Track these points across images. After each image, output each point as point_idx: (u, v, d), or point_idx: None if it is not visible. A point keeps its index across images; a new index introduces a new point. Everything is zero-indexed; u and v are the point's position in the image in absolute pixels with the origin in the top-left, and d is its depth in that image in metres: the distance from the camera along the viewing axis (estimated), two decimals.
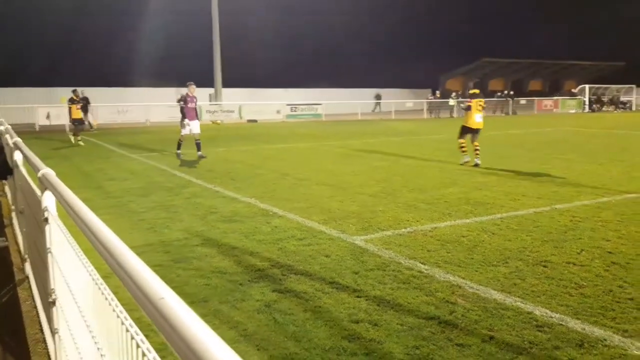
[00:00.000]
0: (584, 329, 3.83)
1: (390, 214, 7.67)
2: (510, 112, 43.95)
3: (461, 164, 12.82)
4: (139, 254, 5.12)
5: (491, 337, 3.74)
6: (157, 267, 5.29)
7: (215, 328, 3.91)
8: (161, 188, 10.10)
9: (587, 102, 47.92)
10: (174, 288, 4.11)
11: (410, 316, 4.12)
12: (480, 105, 13.10)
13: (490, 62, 55.93)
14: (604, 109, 47.62)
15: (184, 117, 14.71)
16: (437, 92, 45.13)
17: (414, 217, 7.42)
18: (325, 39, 54.47)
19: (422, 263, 5.38)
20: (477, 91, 13.53)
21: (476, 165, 12.55)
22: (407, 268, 5.23)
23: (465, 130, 13.22)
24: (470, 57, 55.46)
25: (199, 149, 14.67)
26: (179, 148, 15.27)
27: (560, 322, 3.95)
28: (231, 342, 3.71)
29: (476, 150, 12.90)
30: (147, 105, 33.80)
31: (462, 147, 13.18)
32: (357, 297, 4.51)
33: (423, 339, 3.74)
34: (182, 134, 14.85)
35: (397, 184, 10.32)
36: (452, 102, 40.48)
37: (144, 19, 46.45)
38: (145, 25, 45.97)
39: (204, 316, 4.08)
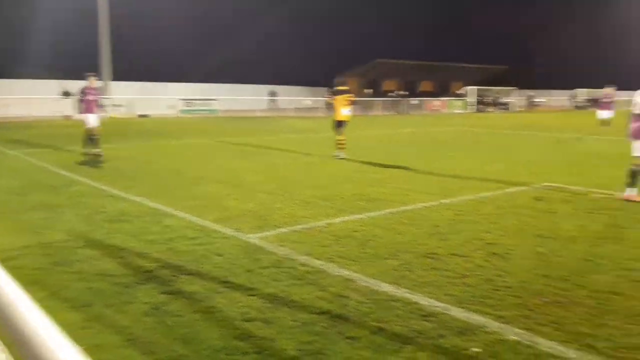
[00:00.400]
0: (466, 317, 4.03)
1: (287, 211, 7.67)
2: (403, 112, 45.75)
3: (334, 156, 13.95)
4: (15, 257, 4.74)
5: (381, 329, 3.83)
6: (35, 271, 4.92)
7: (97, 333, 3.71)
8: (43, 186, 9.43)
9: (475, 103, 51.03)
10: (52, 293, 3.83)
11: (304, 312, 4.13)
12: (346, 100, 14.47)
13: (385, 62, 57.69)
14: (487, 109, 50.92)
15: (81, 110, 13.46)
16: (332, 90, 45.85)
17: (310, 214, 7.47)
18: (219, 33, 53.57)
19: (316, 259, 5.41)
20: (343, 88, 14.94)
21: (337, 156, 13.86)
22: (302, 264, 5.24)
23: (336, 124, 14.47)
24: (366, 58, 56.94)
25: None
26: (89, 143, 13.12)
27: (445, 311, 4.13)
28: (115, 348, 3.52)
29: (341, 143, 14.13)
30: (30, 99, 31.46)
31: (339, 143, 14.26)
32: (251, 295, 4.45)
33: (315, 334, 3.76)
34: (87, 127, 13.34)
35: (295, 181, 10.36)
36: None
37: (22, 3, 43.12)
38: (24, 11, 42.69)
39: (85, 321, 3.85)
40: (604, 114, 25.20)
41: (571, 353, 3.48)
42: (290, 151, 15.67)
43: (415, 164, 12.67)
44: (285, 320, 3.97)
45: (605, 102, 25.48)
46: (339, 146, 14.21)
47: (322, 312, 4.11)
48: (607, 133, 20.86)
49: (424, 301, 4.32)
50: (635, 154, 8.51)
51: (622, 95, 27.33)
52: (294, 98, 44.81)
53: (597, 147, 17.17)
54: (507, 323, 3.94)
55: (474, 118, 38.48)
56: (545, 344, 3.60)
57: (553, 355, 3.45)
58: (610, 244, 6.01)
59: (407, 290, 4.57)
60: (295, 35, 58.93)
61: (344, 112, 14.46)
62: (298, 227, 6.72)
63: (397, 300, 4.35)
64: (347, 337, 3.70)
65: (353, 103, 15.19)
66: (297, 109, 42.20)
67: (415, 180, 10.43)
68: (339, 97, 14.55)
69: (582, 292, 4.56)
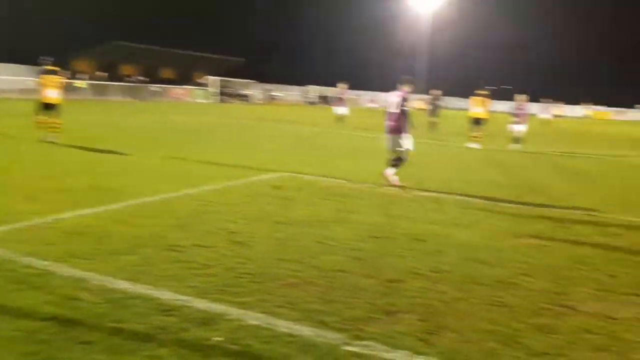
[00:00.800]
0: (209, 307, 4.02)
1: (5, 206, 6.71)
2: (143, 98, 44.09)
3: (41, 141, 13.12)
4: None
5: (118, 329, 3.58)
6: None
7: None
8: None
9: (217, 93, 51.96)
10: None
11: (27, 319, 3.63)
12: (52, 81, 13.72)
13: (122, 45, 54.72)
14: (229, 100, 52.35)
15: None
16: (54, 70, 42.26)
17: (35, 209, 6.64)
18: None
19: (42, 259, 4.82)
20: (51, 68, 14.07)
21: (52, 142, 13.06)
22: (24, 266, 4.62)
23: (43, 106, 13.63)
24: (101, 38, 53.18)
25: None
26: None
27: (187, 304, 4.05)
28: None
29: (54, 127, 13.48)
30: None
31: (39, 123, 13.59)
32: None
33: (42, 342, 3.34)
34: None
35: (16, 171, 9.15)
36: (78, 83, 39.77)
37: None
38: None
39: None
40: (339, 110, 27.68)
41: (305, 331, 3.72)
42: (10, 137, 13.79)
43: (158, 154, 12.29)
44: (4, 331, 3.44)
45: (340, 99, 28.01)
46: (51, 129, 13.34)
47: (50, 318, 3.67)
48: (343, 128, 23.13)
49: (166, 296, 4.18)
50: (392, 148, 9.69)
51: (352, 94, 30.64)
52: (15, 78, 39.48)
53: (334, 140, 18.95)
54: (248, 309, 4.04)
55: (218, 108, 39.11)
56: (283, 325, 3.79)
57: (290, 335, 3.65)
58: (338, 226, 6.66)
59: (147, 286, 4.37)
60: (18, 7, 51.96)
61: (49, 93, 13.53)
62: (20, 224, 5.92)
63: (136, 297, 4.13)
64: (80, 342, 3.37)
65: (63, 86, 14.30)
66: (22, 90, 37.31)
67: (158, 170, 10.11)
68: (47, 77, 13.60)
69: (314, 272, 4.94)
